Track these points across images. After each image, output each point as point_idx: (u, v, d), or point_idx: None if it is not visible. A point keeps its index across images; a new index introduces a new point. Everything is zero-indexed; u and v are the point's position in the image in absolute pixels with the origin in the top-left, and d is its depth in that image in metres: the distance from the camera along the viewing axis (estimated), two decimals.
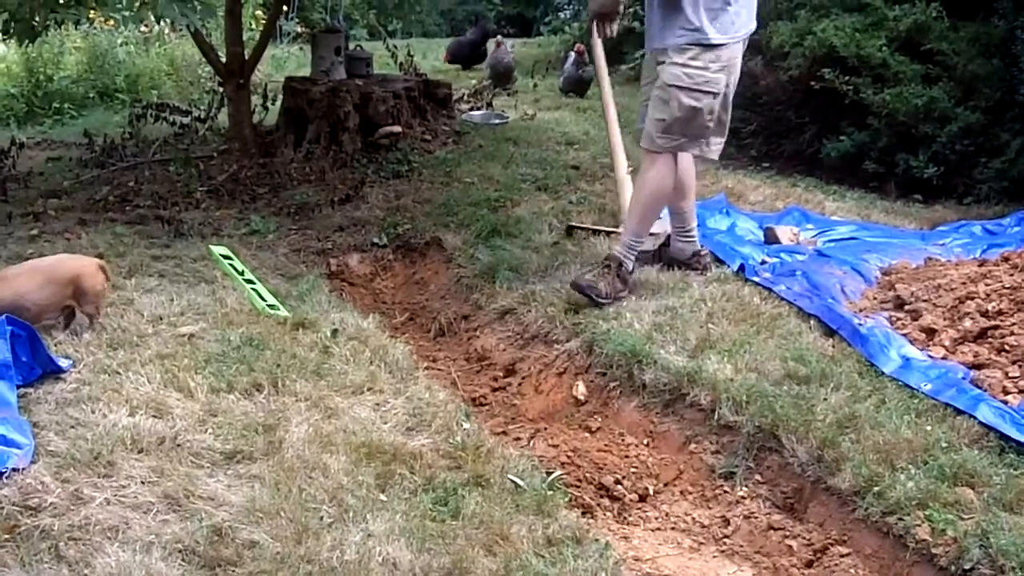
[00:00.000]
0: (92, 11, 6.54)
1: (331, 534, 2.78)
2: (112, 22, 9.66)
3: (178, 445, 3.16)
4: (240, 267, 4.79)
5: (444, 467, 3.23)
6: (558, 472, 3.42)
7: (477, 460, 3.26)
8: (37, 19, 5.41)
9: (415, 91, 7.17)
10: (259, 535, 2.74)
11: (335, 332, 4.15)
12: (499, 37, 10.51)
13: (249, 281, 4.64)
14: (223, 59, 6.82)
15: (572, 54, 10.30)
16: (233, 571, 2.61)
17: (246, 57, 6.77)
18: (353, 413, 3.50)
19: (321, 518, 2.85)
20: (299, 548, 2.70)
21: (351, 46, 7.63)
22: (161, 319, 4.15)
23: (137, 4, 5.40)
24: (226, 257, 4.86)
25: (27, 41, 5.92)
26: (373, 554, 2.70)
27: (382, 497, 3.02)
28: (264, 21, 8.71)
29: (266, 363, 3.76)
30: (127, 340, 3.90)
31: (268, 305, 4.38)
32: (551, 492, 3.16)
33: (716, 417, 3.59)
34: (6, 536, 2.66)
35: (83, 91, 9.74)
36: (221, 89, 7.33)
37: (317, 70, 7.22)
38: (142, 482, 2.95)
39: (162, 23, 10.02)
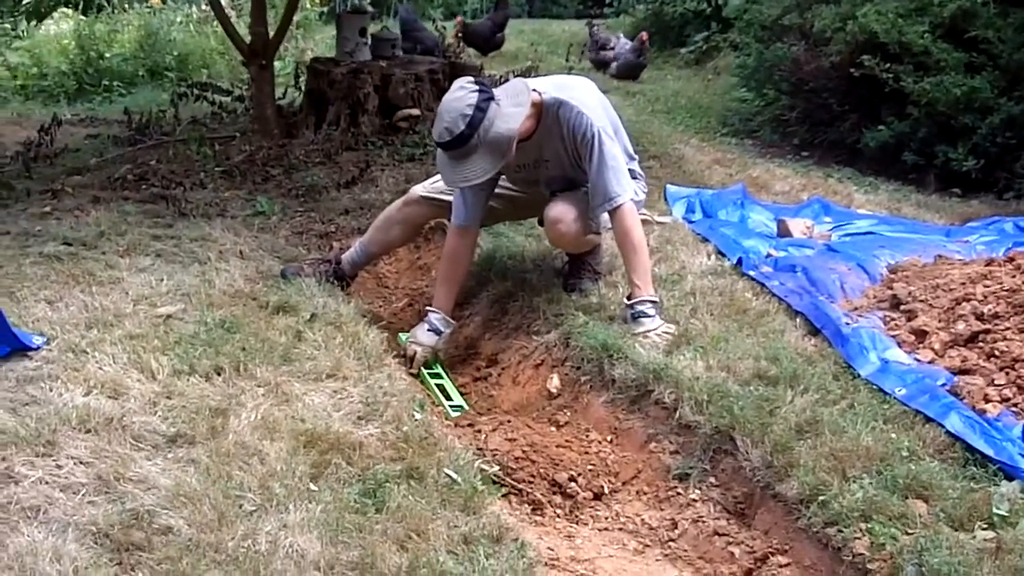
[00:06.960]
0: None
1: (248, 523, 2.74)
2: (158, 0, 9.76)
3: (123, 426, 3.14)
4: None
5: (385, 458, 3.16)
6: (495, 468, 3.34)
7: (419, 452, 3.19)
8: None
9: (439, 73, 7.07)
10: (177, 521, 2.71)
11: (312, 317, 4.12)
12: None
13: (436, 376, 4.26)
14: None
15: (626, 40, 10.29)
16: (140, 556, 2.58)
17: (269, 37, 6.77)
18: (308, 400, 3.46)
19: (242, 506, 2.81)
20: (211, 536, 2.66)
21: (380, 27, 7.59)
22: (144, 299, 4.16)
23: None
24: (434, 375, 4.27)
25: (35, 21, 5.97)
26: (283, 545, 2.66)
27: (312, 487, 2.96)
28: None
29: (234, 346, 3.74)
30: (104, 319, 3.90)
31: (451, 406, 4.04)
32: (482, 488, 3.09)
33: (677, 416, 3.47)
34: None
35: (133, 69, 9.88)
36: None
37: (341, 51, 7.21)
38: (79, 462, 2.93)
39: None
